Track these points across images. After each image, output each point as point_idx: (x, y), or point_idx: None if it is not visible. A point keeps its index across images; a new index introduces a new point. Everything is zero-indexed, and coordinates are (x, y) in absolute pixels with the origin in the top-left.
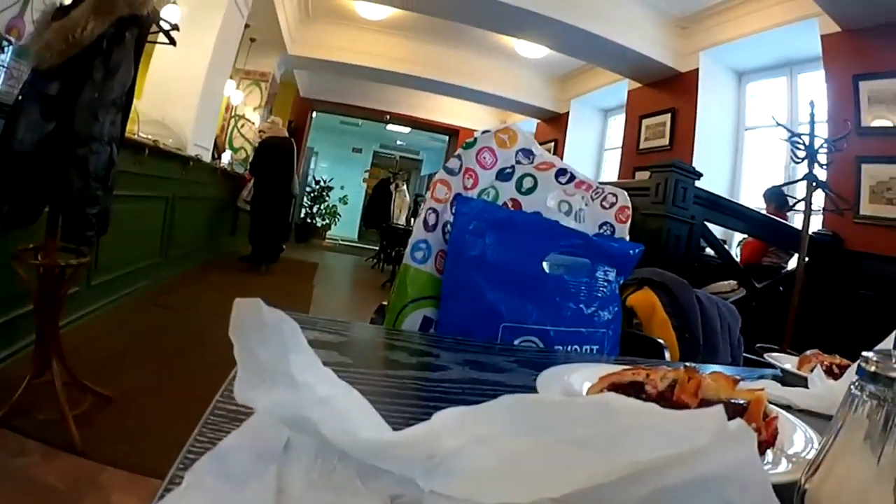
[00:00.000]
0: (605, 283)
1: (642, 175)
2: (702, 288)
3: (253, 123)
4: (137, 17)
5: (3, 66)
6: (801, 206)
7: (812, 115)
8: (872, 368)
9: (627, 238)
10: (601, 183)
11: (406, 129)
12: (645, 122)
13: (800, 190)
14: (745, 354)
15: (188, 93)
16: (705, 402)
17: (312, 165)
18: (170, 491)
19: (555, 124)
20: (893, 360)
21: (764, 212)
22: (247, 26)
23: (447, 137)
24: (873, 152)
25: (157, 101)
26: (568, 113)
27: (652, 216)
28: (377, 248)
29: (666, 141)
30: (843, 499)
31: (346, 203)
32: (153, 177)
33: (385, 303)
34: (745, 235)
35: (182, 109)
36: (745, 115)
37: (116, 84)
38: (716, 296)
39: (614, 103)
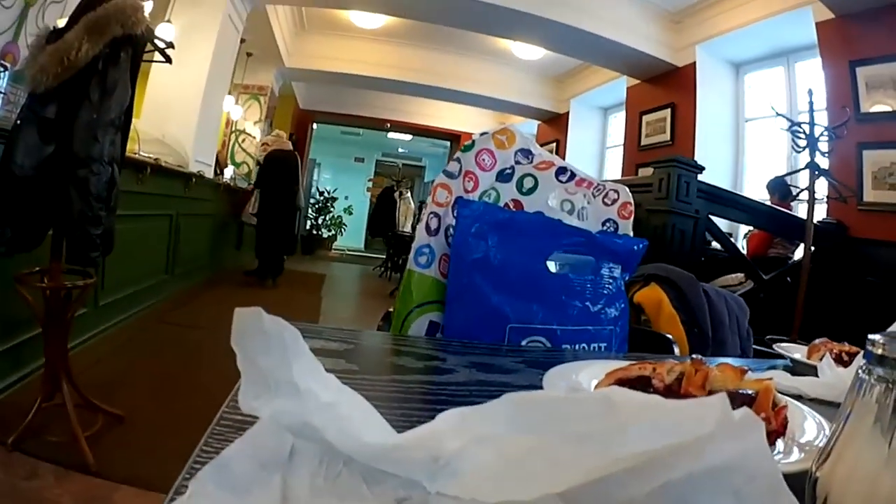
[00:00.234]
0: (611, 280)
1: (645, 172)
2: (709, 282)
3: (254, 138)
4: (131, 37)
5: (0, 92)
6: (804, 195)
7: (811, 104)
8: (879, 351)
9: (631, 234)
10: (602, 181)
11: (407, 137)
12: (645, 118)
13: (802, 179)
14: (754, 346)
15: (187, 110)
16: (713, 394)
17: (315, 177)
18: (174, 501)
19: (555, 125)
20: None
21: (768, 203)
22: (242, 41)
23: (448, 143)
24: (874, 138)
25: (156, 120)
26: (568, 113)
27: (656, 212)
28: (384, 256)
29: (667, 136)
30: (854, 485)
31: (350, 213)
32: (156, 195)
33: (392, 310)
34: (751, 228)
35: (182, 127)
36: (745, 107)
37: (114, 104)
38: (724, 289)
39: (614, 101)
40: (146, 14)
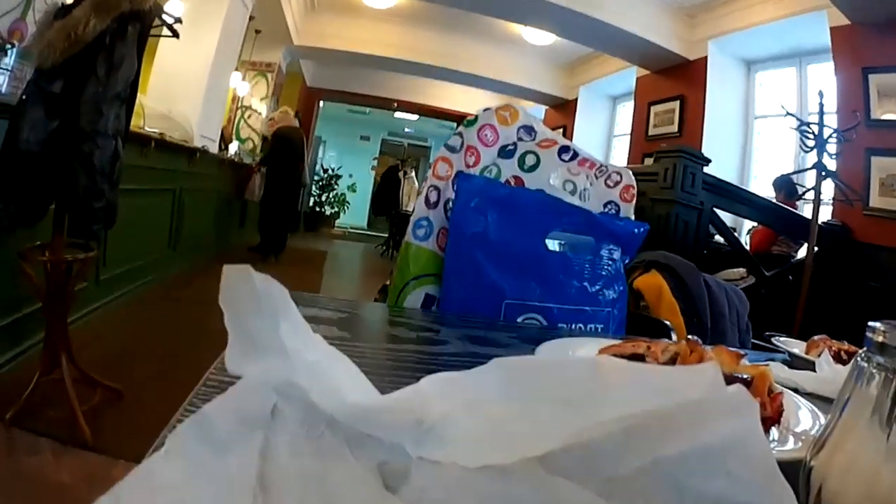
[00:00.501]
0: (610, 262)
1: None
2: (711, 275)
3: (260, 114)
4: (139, 12)
5: (7, 69)
6: (810, 195)
7: (821, 105)
8: (880, 339)
9: (633, 217)
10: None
11: (414, 117)
12: (654, 108)
13: (809, 179)
14: (753, 341)
15: (193, 85)
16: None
17: (320, 154)
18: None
19: (563, 111)
20: None
21: (773, 200)
22: (251, 18)
23: (455, 124)
24: (883, 144)
25: (162, 95)
26: (576, 100)
27: (660, 201)
28: (386, 235)
29: (675, 128)
30: (850, 476)
31: (354, 191)
32: (160, 170)
33: (389, 283)
34: (755, 224)
35: (188, 102)
36: (755, 104)
37: (120, 79)
38: (725, 282)
39: (623, 90)
40: None
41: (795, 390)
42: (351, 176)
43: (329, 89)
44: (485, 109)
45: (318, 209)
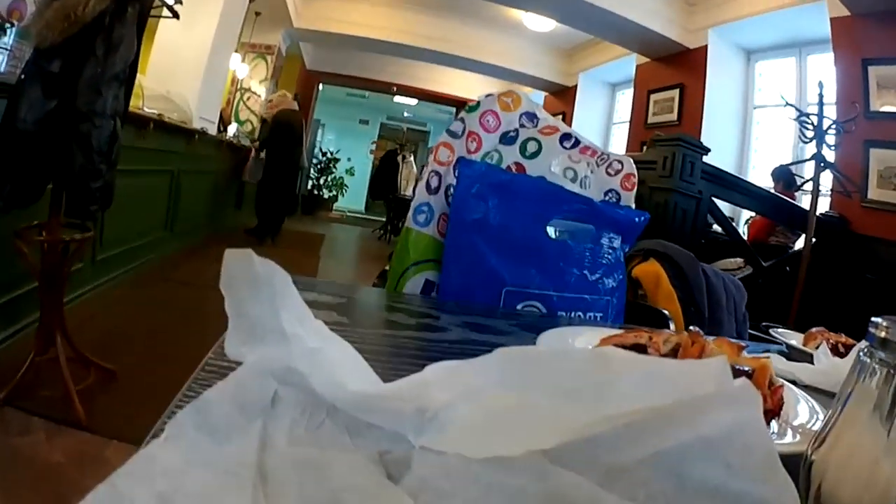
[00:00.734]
0: (610, 250)
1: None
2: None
3: (259, 96)
4: None
5: (6, 49)
6: (808, 186)
7: (821, 96)
8: (883, 334)
9: (633, 206)
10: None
11: (413, 101)
12: (653, 96)
13: (808, 170)
14: (750, 331)
15: (193, 67)
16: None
17: (319, 137)
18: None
19: (562, 97)
20: None
21: (772, 190)
22: (251, 0)
23: (454, 109)
24: (882, 137)
25: (161, 76)
26: (576, 86)
27: (659, 190)
28: (384, 219)
29: (674, 116)
30: (851, 471)
31: (352, 175)
32: (158, 151)
33: (388, 268)
34: (753, 214)
35: (187, 83)
36: (754, 94)
37: (119, 59)
38: (723, 272)
39: (622, 77)
40: None
41: (794, 382)
42: (349, 159)
43: (328, 72)
44: (487, 95)
45: (316, 192)
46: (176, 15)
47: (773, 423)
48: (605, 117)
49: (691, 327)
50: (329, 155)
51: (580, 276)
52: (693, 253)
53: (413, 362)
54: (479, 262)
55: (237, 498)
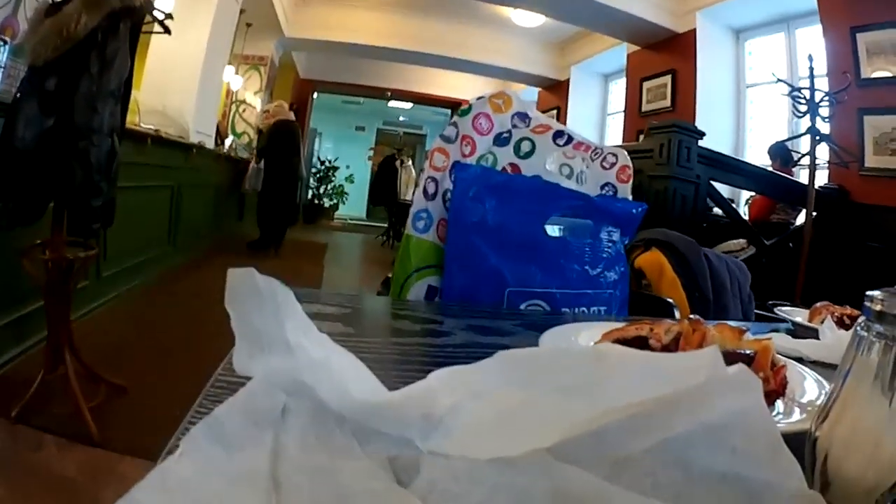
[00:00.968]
0: (610, 244)
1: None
2: (711, 247)
3: (254, 108)
4: (130, 9)
5: (0, 66)
6: (806, 160)
7: (811, 69)
8: (878, 307)
9: (630, 198)
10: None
11: (408, 105)
12: (646, 84)
13: (804, 145)
14: (756, 311)
15: (187, 81)
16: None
17: (317, 146)
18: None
19: (556, 92)
20: None
21: (769, 168)
22: (242, 11)
23: (449, 111)
24: (875, 104)
25: (156, 91)
26: (568, 80)
27: (657, 177)
28: (385, 224)
29: (668, 102)
30: (855, 444)
31: (352, 182)
32: (157, 166)
33: (391, 275)
34: (753, 193)
35: (182, 98)
36: (745, 73)
37: (113, 75)
38: (725, 254)
39: (614, 67)
40: None
41: (800, 360)
42: (348, 167)
43: (322, 80)
44: (478, 98)
45: (316, 201)
46: (167, 31)
47: (779, 403)
48: (600, 109)
49: (692, 315)
50: (328, 163)
51: (581, 272)
52: (695, 237)
53: (420, 368)
54: (481, 264)
55: None
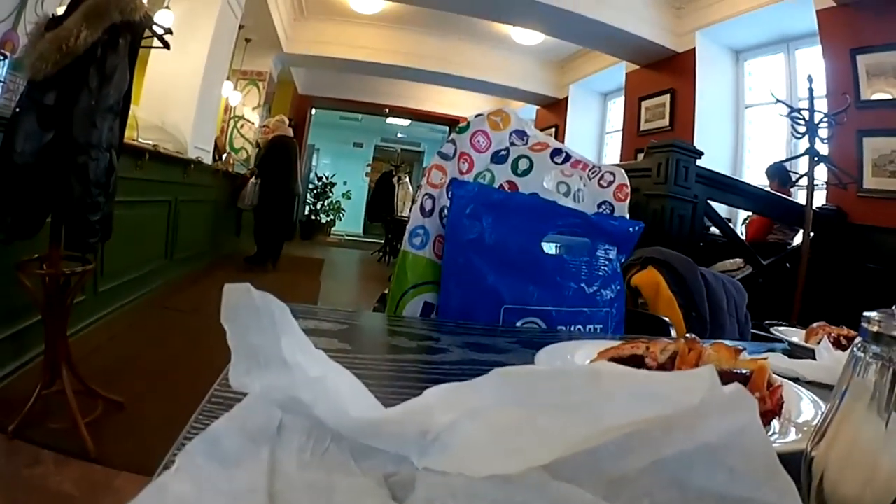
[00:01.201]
0: (606, 262)
1: None
2: (708, 267)
3: (252, 123)
4: (130, 23)
5: (0, 80)
6: (804, 181)
7: (811, 90)
8: (875, 328)
9: (627, 216)
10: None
11: (406, 122)
12: (644, 103)
13: (802, 165)
14: (753, 331)
15: (186, 96)
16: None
17: (314, 162)
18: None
19: (554, 110)
20: None
21: (767, 189)
22: (241, 27)
23: (447, 128)
24: (874, 125)
25: (155, 106)
26: (567, 98)
27: (654, 196)
28: (382, 241)
29: (666, 122)
30: (850, 464)
31: (349, 198)
32: (155, 181)
33: (387, 291)
34: (750, 213)
35: (180, 113)
36: (745, 93)
37: (112, 90)
38: (722, 274)
39: (613, 86)
40: (144, 1)
41: (796, 380)
42: (345, 183)
43: (321, 96)
44: (476, 115)
45: (313, 217)
46: (167, 45)
47: (775, 423)
48: (598, 127)
49: (688, 334)
50: (325, 179)
51: (578, 290)
52: (692, 256)
53: (416, 385)
54: (477, 281)
55: None
